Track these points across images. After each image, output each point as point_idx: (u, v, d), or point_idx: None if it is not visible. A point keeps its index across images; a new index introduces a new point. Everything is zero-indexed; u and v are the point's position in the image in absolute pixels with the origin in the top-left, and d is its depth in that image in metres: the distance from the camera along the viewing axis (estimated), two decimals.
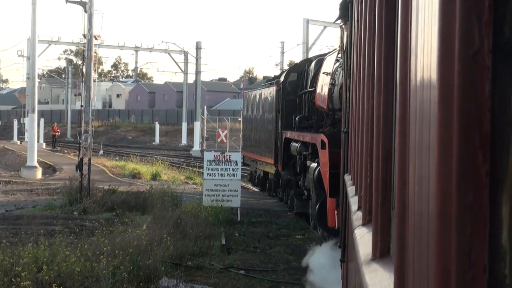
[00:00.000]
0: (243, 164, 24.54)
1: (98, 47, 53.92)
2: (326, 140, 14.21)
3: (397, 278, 2.27)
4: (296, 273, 12.54)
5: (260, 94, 24.93)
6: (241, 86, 62.28)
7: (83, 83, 22.67)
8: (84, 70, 23.02)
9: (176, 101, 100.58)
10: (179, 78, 72.41)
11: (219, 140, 44.50)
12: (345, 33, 9.72)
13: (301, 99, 20.19)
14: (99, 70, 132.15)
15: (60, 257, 11.11)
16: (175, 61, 58.49)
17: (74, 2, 23.79)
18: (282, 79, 21.66)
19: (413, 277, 1.86)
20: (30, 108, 33.50)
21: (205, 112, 56.27)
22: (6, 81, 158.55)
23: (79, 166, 21.68)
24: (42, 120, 60.45)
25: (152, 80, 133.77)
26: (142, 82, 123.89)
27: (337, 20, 10.88)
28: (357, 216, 5.09)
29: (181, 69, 58.36)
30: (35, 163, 32.37)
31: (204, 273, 12.26)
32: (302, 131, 17.95)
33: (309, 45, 43.67)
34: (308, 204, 17.42)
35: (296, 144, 18.19)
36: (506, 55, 1.19)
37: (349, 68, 8.32)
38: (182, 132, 61.09)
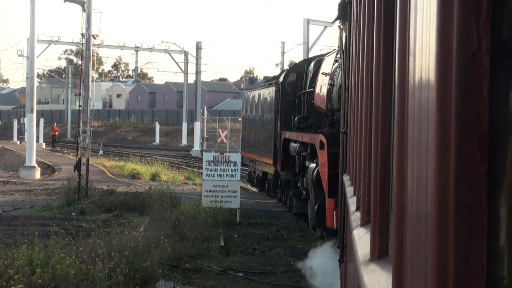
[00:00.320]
0: (242, 164, 24.55)
1: (98, 47, 53.94)
2: (325, 141, 14.21)
3: (395, 278, 2.27)
4: (296, 275, 12.39)
5: (259, 95, 24.93)
6: (242, 86, 62.32)
7: (81, 83, 22.65)
8: (82, 69, 23.01)
9: (176, 101, 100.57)
10: (179, 78, 72.41)
11: (219, 140, 44.49)
12: (344, 34, 9.72)
13: (300, 100, 20.19)
14: (100, 70, 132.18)
15: (55, 260, 10.91)
16: (175, 61, 58.51)
17: (72, 1, 23.75)
18: (281, 79, 21.67)
19: (411, 277, 1.85)
20: (28, 108, 33.49)
21: (205, 112, 56.26)
22: (6, 81, 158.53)
23: (77, 166, 21.65)
24: (42, 120, 60.48)
25: (153, 80, 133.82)
26: (143, 82, 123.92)
27: (336, 20, 10.88)
28: (355, 217, 5.09)
29: (181, 69, 58.37)
30: (34, 163, 32.35)
31: (202, 276, 12.10)
32: (301, 132, 17.95)
33: (310, 45, 43.71)
34: (307, 205, 17.42)
35: (295, 145, 18.19)
36: (504, 55, 1.19)
37: (347, 69, 8.32)
38: (182, 132, 61.10)
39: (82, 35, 22.91)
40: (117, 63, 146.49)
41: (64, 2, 24.20)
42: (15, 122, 69.63)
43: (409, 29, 2.13)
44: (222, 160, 18.25)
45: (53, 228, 15.91)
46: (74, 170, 22.38)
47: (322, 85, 16.09)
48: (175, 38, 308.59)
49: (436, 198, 1.37)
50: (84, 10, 23.12)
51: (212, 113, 70.16)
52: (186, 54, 56.88)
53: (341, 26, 10.74)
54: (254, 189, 27.86)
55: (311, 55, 37.27)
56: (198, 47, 53.58)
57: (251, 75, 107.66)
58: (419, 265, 1.67)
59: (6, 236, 14.70)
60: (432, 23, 1.46)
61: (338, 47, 13.32)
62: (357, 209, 5.15)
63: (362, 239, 4.12)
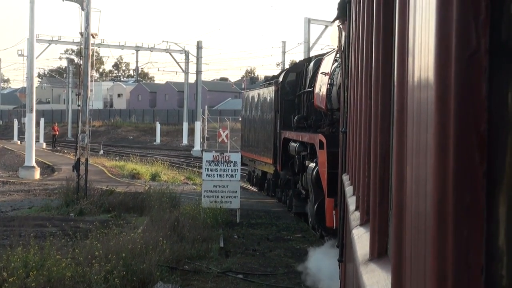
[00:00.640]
0: (241, 164, 24.52)
1: (99, 47, 54.03)
2: (324, 140, 14.22)
3: (394, 278, 2.27)
4: (296, 277, 12.25)
5: (259, 94, 24.93)
6: (243, 86, 62.30)
7: (80, 82, 22.62)
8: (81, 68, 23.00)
9: (177, 101, 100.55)
10: (180, 78, 72.53)
11: (220, 140, 44.51)
12: (343, 33, 9.72)
13: (300, 99, 20.20)
14: (101, 70, 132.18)
15: (51, 262, 10.71)
16: (176, 61, 58.52)
17: (71, 0, 23.72)
18: (281, 79, 21.67)
19: (411, 277, 1.85)
20: (28, 108, 33.48)
21: (206, 112, 56.28)
22: (7, 80, 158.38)
23: (76, 166, 21.60)
24: (42, 120, 60.43)
25: (153, 80, 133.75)
26: (143, 81, 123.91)
27: (335, 20, 10.88)
28: (355, 216, 5.09)
29: (182, 69, 58.38)
30: (33, 163, 32.34)
31: (201, 277, 11.93)
32: (300, 131, 17.96)
33: (311, 45, 43.71)
34: (307, 204, 17.42)
35: (295, 144, 18.19)
36: (503, 55, 1.19)
37: (347, 68, 8.32)
38: (183, 132, 61.13)
39: (81, 34, 22.90)
40: (118, 62, 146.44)
41: (63, 1, 24.19)
42: (16, 122, 69.58)
43: (408, 29, 2.13)
44: (222, 160, 18.22)
45: (50, 229, 15.69)
46: (73, 170, 22.34)
47: (321, 85, 16.10)
48: (175, 37, 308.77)
49: (435, 197, 1.37)
50: (83, 9, 23.12)
51: (213, 112, 70.20)
52: (186, 53, 56.90)
53: (341, 26, 10.73)
54: (254, 189, 27.84)
55: (312, 54, 37.26)
56: (199, 47, 53.60)
57: (252, 75, 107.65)
58: (418, 265, 1.67)
59: (2, 238, 14.52)
60: (431, 23, 1.46)
61: (337, 46, 13.32)
62: (357, 208, 5.15)
63: (361, 239, 4.12)
